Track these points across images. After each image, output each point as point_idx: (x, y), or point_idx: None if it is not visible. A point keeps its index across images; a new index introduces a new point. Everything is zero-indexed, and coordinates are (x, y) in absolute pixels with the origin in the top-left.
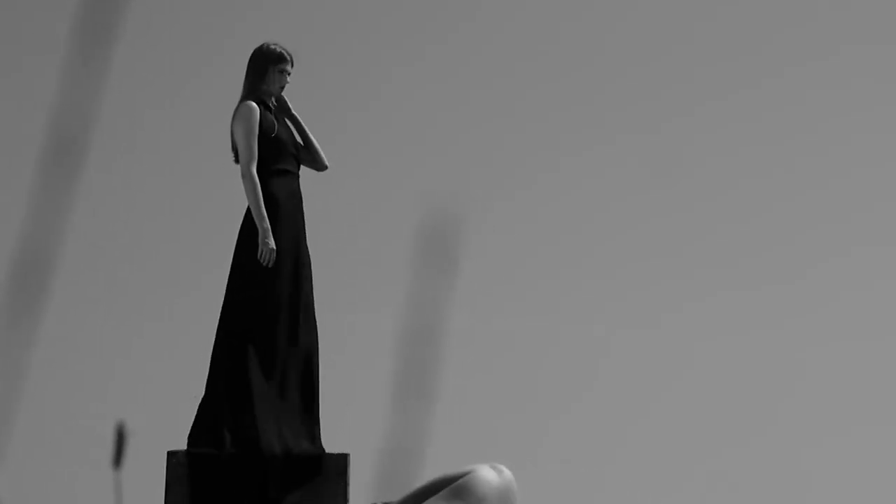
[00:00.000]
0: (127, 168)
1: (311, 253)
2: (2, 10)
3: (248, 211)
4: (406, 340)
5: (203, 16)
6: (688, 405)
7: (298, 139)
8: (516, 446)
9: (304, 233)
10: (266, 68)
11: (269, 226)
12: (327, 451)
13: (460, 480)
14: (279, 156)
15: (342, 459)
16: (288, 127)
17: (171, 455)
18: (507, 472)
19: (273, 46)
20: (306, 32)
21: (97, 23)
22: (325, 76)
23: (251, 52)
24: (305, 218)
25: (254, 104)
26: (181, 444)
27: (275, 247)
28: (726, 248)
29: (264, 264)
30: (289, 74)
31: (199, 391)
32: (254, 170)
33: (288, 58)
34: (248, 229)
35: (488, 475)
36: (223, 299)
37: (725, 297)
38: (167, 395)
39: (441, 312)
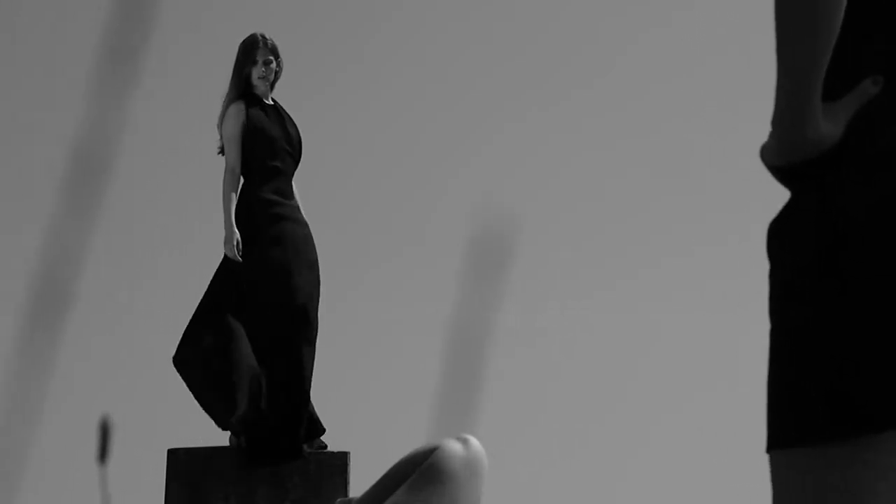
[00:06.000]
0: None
1: (325, 252)
2: (30, 26)
3: (238, 220)
4: (452, 340)
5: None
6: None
7: (294, 133)
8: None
9: (308, 231)
10: (242, 63)
11: (233, 233)
12: (329, 449)
13: (426, 462)
14: (269, 153)
15: (343, 457)
16: (283, 122)
17: (172, 453)
18: (475, 442)
19: (249, 39)
20: (358, 37)
21: (124, 40)
22: (384, 75)
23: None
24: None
25: (239, 106)
26: (169, 441)
27: (235, 248)
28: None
29: (231, 257)
30: (267, 64)
31: (182, 390)
32: (230, 177)
33: (262, 45)
34: (245, 239)
35: (454, 449)
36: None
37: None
38: (154, 392)
39: (486, 312)
